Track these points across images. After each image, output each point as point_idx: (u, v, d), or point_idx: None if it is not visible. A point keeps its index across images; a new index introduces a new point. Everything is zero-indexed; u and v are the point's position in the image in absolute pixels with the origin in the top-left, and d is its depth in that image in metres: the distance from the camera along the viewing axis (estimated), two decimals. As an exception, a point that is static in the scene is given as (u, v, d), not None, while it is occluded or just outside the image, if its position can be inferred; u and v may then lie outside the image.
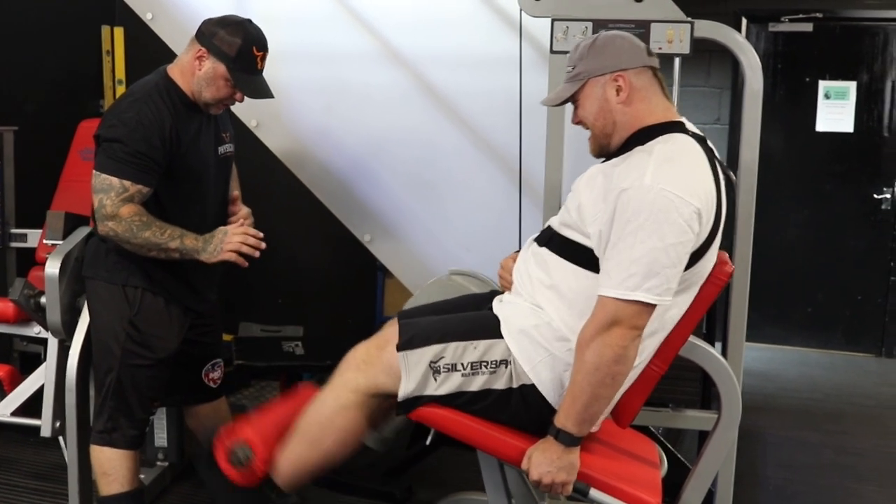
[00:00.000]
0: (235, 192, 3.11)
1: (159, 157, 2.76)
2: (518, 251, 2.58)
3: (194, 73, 2.83)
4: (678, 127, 2.31)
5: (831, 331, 6.33)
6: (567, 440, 2.19)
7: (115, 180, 2.72)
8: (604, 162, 2.37)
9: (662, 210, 2.10)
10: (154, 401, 3.03)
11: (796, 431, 4.68)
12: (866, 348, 6.25)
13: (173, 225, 2.77)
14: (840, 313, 6.31)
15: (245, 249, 2.79)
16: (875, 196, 6.11)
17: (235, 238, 2.79)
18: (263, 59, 2.86)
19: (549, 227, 2.43)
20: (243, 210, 3.09)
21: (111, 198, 2.71)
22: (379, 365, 2.38)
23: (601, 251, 2.20)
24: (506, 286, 2.55)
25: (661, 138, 2.26)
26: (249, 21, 2.85)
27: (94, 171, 2.77)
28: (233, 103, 2.92)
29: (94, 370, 2.98)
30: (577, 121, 2.42)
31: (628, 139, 2.31)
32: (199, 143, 2.88)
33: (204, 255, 2.78)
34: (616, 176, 2.21)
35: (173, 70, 2.88)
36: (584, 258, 2.27)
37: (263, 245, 2.81)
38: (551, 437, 2.21)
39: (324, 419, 2.41)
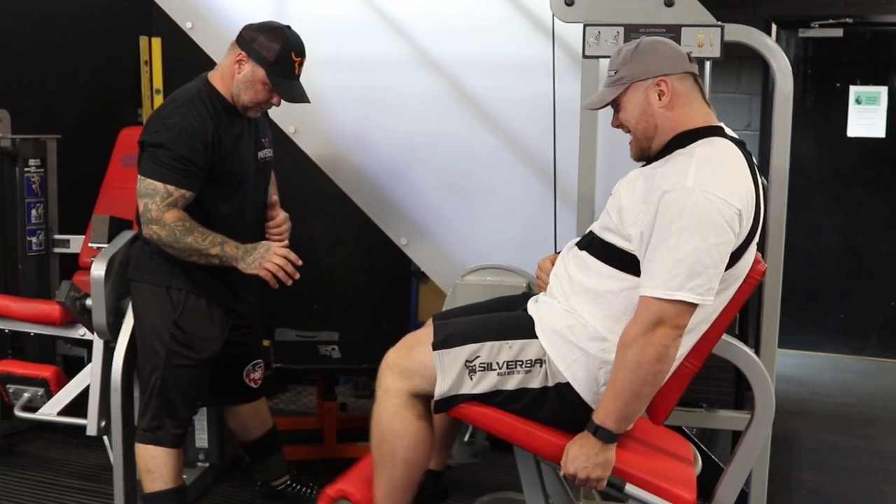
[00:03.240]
0: (274, 196, 3.18)
1: (202, 162, 2.83)
2: (557, 253, 2.62)
3: (234, 76, 2.90)
4: (718, 131, 2.36)
5: (865, 337, 6.29)
6: (605, 437, 2.23)
7: (159, 185, 2.79)
8: (644, 166, 2.41)
9: (705, 211, 2.14)
10: (197, 400, 3.10)
11: (830, 436, 4.67)
12: (901, 354, 6.22)
13: (215, 231, 2.84)
14: (873, 319, 6.27)
15: (281, 275, 2.85)
16: (908, 201, 6.09)
17: (276, 259, 2.85)
18: (301, 64, 2.93)
19: (591, 232, 2.47)
20: (281, 215, 3.16)
21: (156, 202, 2.79)
22: (413, 366, 2.42)
23: (642, 253, 2.24)
24: (542, 286, 2.60)
25: (701, 141, 2.30)
26: (289, 27, 2.93)
27: (139, 176, 2.85)
28: (270, 107, 3.00)
29: (139, 370, 3.05)
30: (618, 124, 2.46)
31: (669, 143, 2.36)
32: (239, 148, 2.96)
33: (242, 265, 2.85)
34: (657, 178, 2.25)
35: (214, 76, 2.96)
36: (624, 261, 2.31)
37: (298, 276, 2.88)
38: (589, 433, 2.25)
39: (386, 433, 2.43)
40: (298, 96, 2.96)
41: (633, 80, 2.37)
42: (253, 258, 2.85)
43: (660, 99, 2.35)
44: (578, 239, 2.52)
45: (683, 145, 2.31)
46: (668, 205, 2.17)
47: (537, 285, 2.65)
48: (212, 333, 3.00)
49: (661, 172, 2.27)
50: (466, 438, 3.17)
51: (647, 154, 2.41)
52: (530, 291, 2.70)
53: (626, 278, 2.31)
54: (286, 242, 3.08)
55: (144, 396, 3.00)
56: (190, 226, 2.80)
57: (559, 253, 2.60)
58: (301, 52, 2.92)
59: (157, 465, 2.98)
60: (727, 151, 2.30)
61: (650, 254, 2.20)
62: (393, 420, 2.42)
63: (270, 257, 2.85)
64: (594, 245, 2.41)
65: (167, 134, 2.81)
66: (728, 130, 2.40)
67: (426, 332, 2.47)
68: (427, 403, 2.44)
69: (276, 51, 2.85)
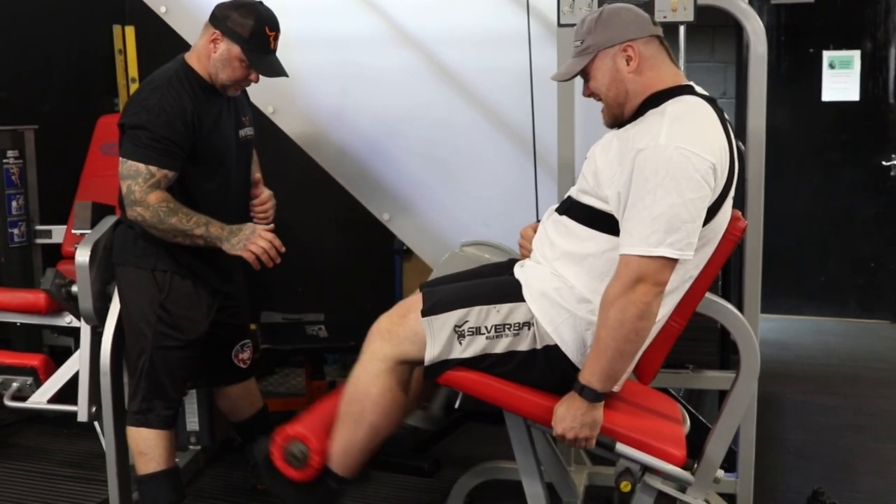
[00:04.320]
0: (257, 174, 3.18)
1: (182, 141, 2.83)
2: (538, 221, 2.65)
3: (210, 56, 2.89)
4: (687, 89, 2.39)
5: (845, 299, 6.37)
6: (591, 396, 2.26)
7: (141, 166, 2.79)
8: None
9: (679, 167, 2.16)
10: (186, 381, 3.11)
11: (814, 396, 4.74)
12: (881, 315, 6.30)
13: (198, 212, 2.85)
14: (853, 281, 6.35)
15: (264, 258, 2.86)
16: (883, 163, 6.15)
17: (261, 242, 2.85)
18: (276, 38, 2.92)
19: (569, 197, 2.49)
20: (265, 192, 3.16)
21: (139, 184, 2.79)
22: (403, 332, 2.43)
23: (620, 212, 2.26)
24: (525, 255, 2.62)
25: (671, 100, 2.33)
26: (261, 3, 2.92)
27: (120, 159, 2.84)
28: (248, 84, 2.99)
29: (127, 354, 3.05)
30: (589, 93, 2.48)
31: (640, 105, 2.38)
32: (220, 127, 2.95)
33: (226, 245, 2.85)
34: (630, 139, 2.28)
35: (190, 56, 2.96)
36: (603, 222, 2.33)
37: (279, 260, 2.89)
38: (575, 392, 2.28)
39: (360, 394, 2.46)
40: (276, 70, 2.95)
41: (600, 49, 2.39)
42: (238, 239, 2.85)
43: (628, 64, 2.37)
44: (558, 205, 2.55)
45: (655, 106, 2.34)
46: (643, 163, 2.19)
47: (520, 254, 2.67)
48: (198, 314, 3.01)
49: (634, 132, 2.30)
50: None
51: (620, 120, 2.43)
52: (515, 258, 2.72)
53: (606, 239, 2.33)
54: (272, 222, 3.08)
55: (133, 379, 3.00)
56: (174, 207, 2.80)
57: (540, 221, 2.62)
58: (275, 27, 2.92)
59: (149, 447, 2.99)
60: (698, 107, 2.33)
61: (628, 212, 2.23)
62: (372, 383, 2.44)
63: (255, 239, 2.85)
64: (573, 209, 2.43)
65: (146, 115, 2.80)
66: (698, 88, 2.42)
67: (417, 300, 2.49)
68: (410, 372, 2.47)
69: (250, 27, 2.85)
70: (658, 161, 2.18)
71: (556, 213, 2.51)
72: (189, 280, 2.98)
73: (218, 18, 2.89)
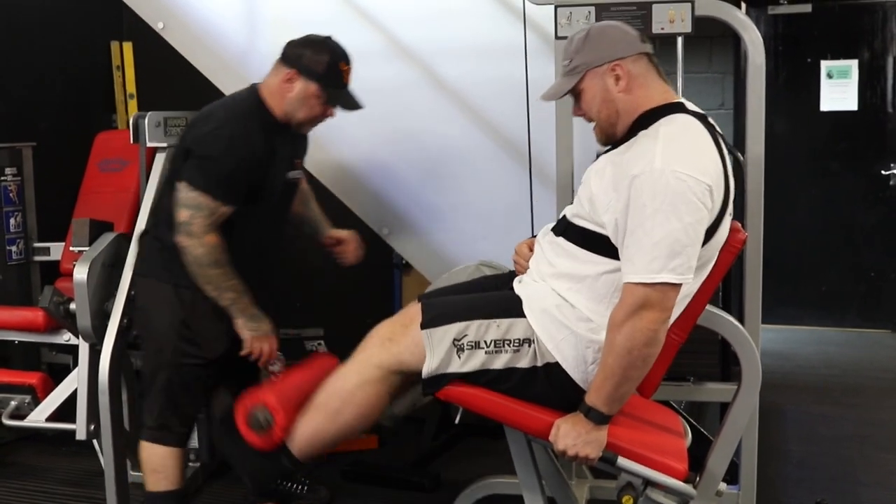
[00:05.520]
0: (326, 225, 3.25)
1: (248, 179, 2.81)
2: (534, 236, 2.64)
3: (284, 95, 2.87)
4: (678, 107, 2.36)
5: (845, 308, 6.37)
6: (597, 418, 2.26)
7: (206, 199, 2.75)
8: (609, 150, 2.41)
9: (676, 191, 2.15)
10: (203, 399, 3.09)
11: (816, 406, 4.73)
12: (881, 324, 6.29)
13: (237, 275, 2.83)
14: (853, 291, 6.35)
15: (255, 356, 2.91)
16: (882, 172, 6.15)
17: (265, 345, 2.91)
18: (349, 72, 2.93)
19: (564, 217, 2.48)
20: (344, 233, 3.23)
21: (201, 217, 2.76)
22: (403, 342, 2.42)
23: (619, 240, 2.24)
24: (520, 271, 2.61)
25: (663, 120, 2.31)
26: (330, 38, 2.92)
27: (182, 183, 2.79)
28: (324, 120, 2.98)
29: (144, 367, 3.03)
30: (580, 113, 2.46)
31: (632, 125, 2.36)
32: (274, 167, 2.92)
33: (240, 322, 2.87)
34: (625, 163, 2.26)
35: (262, 91, 2.92)
36: (600, 245, 2.31)
37: (261, 366, 2.96)
38: (581, 413, 2.27)
39: (345, 393, 2.45)
40: (352, 104, 2.96)
41: (588, 68, 2.36)
42: (254, 326, 2.88)
43: (617, 83, 2.35)
44: (553, 224, 2.53)
45: (646, 126, 2.31)
46: (640, 189, 2.17)
47: (515, 270, 2.66)
48: (220, 332, 2.94)
49: (628, 157, 2.27)
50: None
51: (612, 139, 2.41)
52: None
53: (604, 262, 2.31)
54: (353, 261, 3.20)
55: (150, 394, 2.97)
56: (221, 260, 2.79)
57: (535, 237, 2.62)
58: (349, 61, 2.92)
59: (162, 464, 2.96)
60: (689, 127, 2.30)
61: (628, 240, 2.21)
62: (361, 387, 2.43)
63: (264, 340, 2.90)
64: (570, 231, 2.41)
65: (218, 146, 2.77)
66: (689, 105, 2.40)
67: (418, 310, 2.47)
68: (401, 383, 2.46)
69: (325, 62, 2.85)
70: (655, 186, 2.16)
71: (551, 234, 2.49)
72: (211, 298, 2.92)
73: (291, 58, 2.88)
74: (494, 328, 2.38)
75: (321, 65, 2.85)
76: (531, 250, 2.58)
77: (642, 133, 2.30)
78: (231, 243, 2.84)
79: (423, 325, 2.40)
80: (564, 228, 2.44)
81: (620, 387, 2.24)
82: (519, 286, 2.50)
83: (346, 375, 2.47)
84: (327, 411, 2.48)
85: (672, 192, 2.15)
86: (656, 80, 2.39)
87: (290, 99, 2.87)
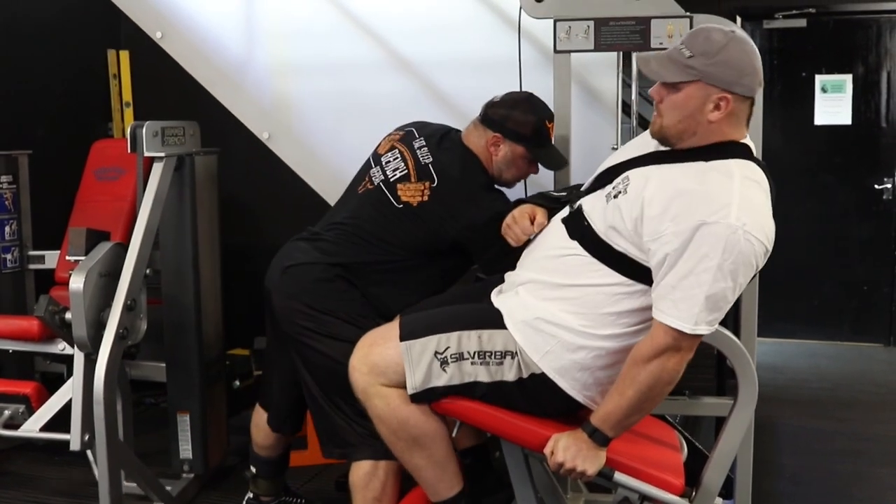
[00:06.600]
0: None
1: None
2: (530, 202, 2.63)
3: (491, 158, 2.90)
4: (748, 150, 2.31)
5: (838, 322, 6.38)
6: (601, 440, 2.27)
7: None
8: (655, 149, 2.34)
9: (744, 254, 2.13)
10: None
11: (809, 420, 4.73)
12: (874, 338, 6.31)
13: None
14: (846, 305, 6.36)
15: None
16: (876, 187, 6.18)
17: None
18: (553, 129, 2.94)
19: (583, 217, 2.38)
20: None
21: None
22: (381, 362, 2.41)
23: (660, 273, 2.19)
24: (509, 236, 2.60)
25: (735, 162, 2.24)
26: (532, 94, 2.93)
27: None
28: (528, 175, 3.01)
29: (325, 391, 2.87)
30: (659, 99, 2.30)
31: (698, 148, 2.28)
32: None
33: None
34: (688, 194, 2.17)
35: (473, 150, 2.93)
36: (622, 263, 2.29)
37: None
38: (585, 432, 2.27)
39: (391, 425, 2.44)
40: (559, 162, 2.98)
41: (702, 79, 2.22)
42: None
43: (715, 110, 2.23)
44: (566, 214, 2.46)
45: (711, 157, 2.25)
46: (706, 237, 2.12)
47: (503, 233, 2.62)
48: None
49: (699, 195, 2.16)
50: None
51: (667, 144, 2.32)
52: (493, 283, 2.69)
53: (616, 277, 2.29)
54: None
55: (355, 417, 2.77)
56: None
57: (530, 201, 2.62)
58: (552, 118, 2.93)
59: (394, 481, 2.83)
60: (762, 183, 2.27)
61: (674, 280, 2.15)
62: (393, 413, 2.41)
63: None
64: (596, 246, 2.33)
65: (498, 204, 2.81)
66: (753, 148, 2.34)
67: (382, 330, 2.48)
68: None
69: (532, 123, 2.87)
70: (726, 242, 2.11)
71: (564, 231, 2.41)
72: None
73: (495, 121, 2.88)
74: (476, 339, 2.38)
75: (528, 126, 2.86)
76: (533, 223, 2.55)
77: (713, 166, 2.23)
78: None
79: (403, 338, 2.39)
80: (583, 234, 2.36)
81: (631, 416, 2.27)
82: (498, 299, 2.50)
83: (378, 419, 2.45)
84: (409, 448, 2.47)
85: (738, 253, 2.12)
86: (743, 124, 2.32)
87: (497, 162, 2.91)
